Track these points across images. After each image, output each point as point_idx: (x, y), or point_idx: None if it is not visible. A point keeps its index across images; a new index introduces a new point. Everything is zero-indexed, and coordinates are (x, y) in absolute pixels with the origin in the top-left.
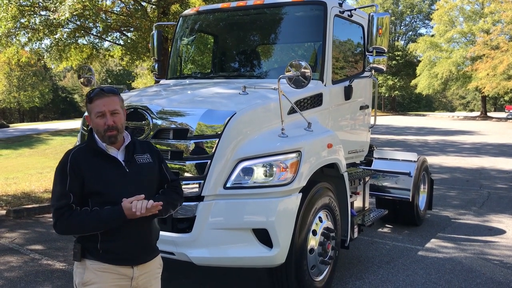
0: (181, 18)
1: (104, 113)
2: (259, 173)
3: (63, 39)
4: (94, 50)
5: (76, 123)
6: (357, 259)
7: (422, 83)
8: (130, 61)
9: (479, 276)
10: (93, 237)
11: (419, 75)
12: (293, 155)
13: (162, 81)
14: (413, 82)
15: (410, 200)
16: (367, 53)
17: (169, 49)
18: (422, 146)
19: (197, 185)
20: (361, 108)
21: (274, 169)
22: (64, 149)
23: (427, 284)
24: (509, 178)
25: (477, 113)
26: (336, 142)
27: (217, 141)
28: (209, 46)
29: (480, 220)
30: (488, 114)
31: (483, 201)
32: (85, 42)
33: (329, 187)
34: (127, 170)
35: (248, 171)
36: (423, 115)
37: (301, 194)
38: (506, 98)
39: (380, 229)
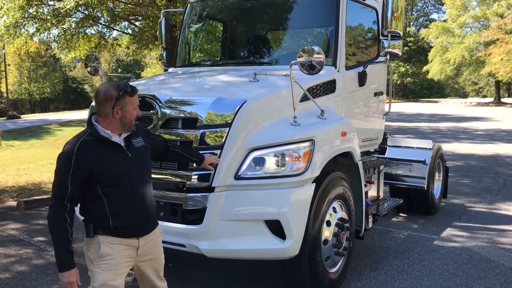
0: (189, 5)
1: (137, 106)
2: (271, 163)
3: (71, 29)
4: (102, 39)
5: (86, 114)
6: (371, 249)
7: (434, 69)
8: (138, 50)
9: (497, 267)
10: (104, 216)
11: (431, 61)
12: (306, 144)
13: (171, 69)
14: (425, 68)
15: (425, 188)
16: (381, 37)
17: (177, 37)
18: (434, 133)
19: (207, 176)
20: (376, 94)
21: (287, 158)
22: None
23: (444, 274)
24: None
25: (491, 99)
26: (350, 130)
27: (227, 130)
28: (217, 33)
29: (496, 208)
30: (502, 100)
31: (499, 188)
32: (93, 32)
33: (343, 177)
34: (129, 154)
35: (260, 161)
36: (435, 102)
37: (314, 184)
38: None
39: (394, 218)
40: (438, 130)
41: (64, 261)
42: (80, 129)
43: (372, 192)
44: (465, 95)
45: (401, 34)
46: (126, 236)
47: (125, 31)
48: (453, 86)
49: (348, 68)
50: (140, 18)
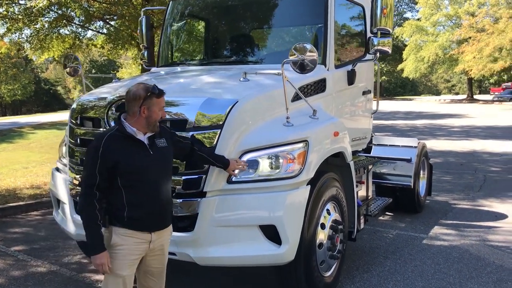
0: (171, 3)
1: (163, 108)
2: (264, 166)
3: (44, 29)
4: (77, 40)
5: (59, 116)
6: (361, 250)
7: (409, 67)
8: (113, 49)
9: (488, 265)
10: (121, 207)
11: (405, 60)
12: (300, 145)
13: (153, 69)
14: (399, 66)
15: (412, 186)
16: (371, 35)
17: (159, 36)
18: (411, 130)
19: (198, 180)
20: (364, 93)
21: (281, 160)
22: (49, 143)
23: (437, 274)
24: (502, 161)
25: (463, 96)
26: (342, 130)
27: (218, 132)
28: (200, 32)
29: (479, 204)
30: (474, 96)
31: (480, 185)
32: (67, 32)
33: (336, 178)
34: (151, 152)
35: (253, 164)
36: (410, 100)
37: (309, 186)
38: (492, 80)
39: (381, 217)
40: (415, 128)
41: (95, 245)
42: (54, 132)
43: (362, 192)
44: (438, 93)
45: (391, 31)
46: (139, 229)
47: (100, 31)
48: (426, 83)
49: (337, 66)
50: (115, 17)
